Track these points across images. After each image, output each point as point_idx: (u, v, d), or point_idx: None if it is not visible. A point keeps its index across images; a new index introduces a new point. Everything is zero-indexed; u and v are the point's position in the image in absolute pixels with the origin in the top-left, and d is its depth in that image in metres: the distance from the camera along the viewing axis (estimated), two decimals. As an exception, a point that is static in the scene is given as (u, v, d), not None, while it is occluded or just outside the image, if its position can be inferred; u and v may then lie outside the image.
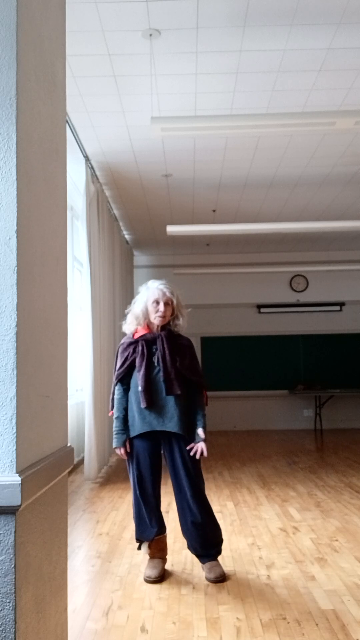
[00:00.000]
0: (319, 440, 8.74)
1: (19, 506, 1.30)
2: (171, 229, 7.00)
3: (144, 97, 4.65)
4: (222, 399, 10.29)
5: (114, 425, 3.13)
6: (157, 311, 3.12)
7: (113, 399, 3.21)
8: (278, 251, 10.60)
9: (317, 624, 2.49)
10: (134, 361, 3.13)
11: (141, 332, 3.18)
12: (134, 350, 3.13)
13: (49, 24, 1.72)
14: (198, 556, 3.13)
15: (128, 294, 9.26)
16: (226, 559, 3.34)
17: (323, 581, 2.99)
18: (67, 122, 3.28)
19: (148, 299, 3.15)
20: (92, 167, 6.03)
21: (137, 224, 8.54)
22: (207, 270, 9.99)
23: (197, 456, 3.07)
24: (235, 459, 6.98)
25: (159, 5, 3.52)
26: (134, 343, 3.15)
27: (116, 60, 4.11)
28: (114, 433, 3.12)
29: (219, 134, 3.97)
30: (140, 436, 3.09)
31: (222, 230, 7.15)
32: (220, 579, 3.00)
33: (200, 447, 3.07)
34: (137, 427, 3.07)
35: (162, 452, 3.17)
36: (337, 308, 10.59)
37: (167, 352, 3.09)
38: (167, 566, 3.25)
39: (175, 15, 3.61)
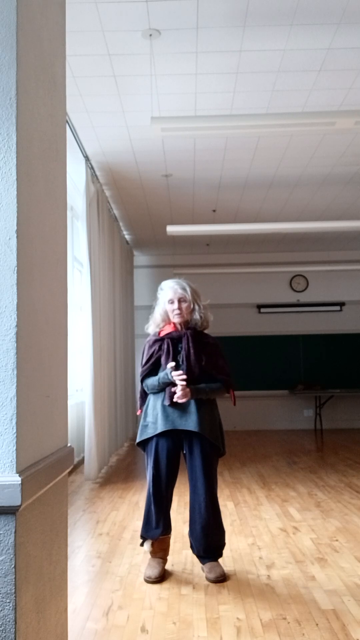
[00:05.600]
0: (319, 440, 8.74)
1: (19, 506, 1.30)
2: (171, 229, 7.00)
3: (144, 97, 4.64)
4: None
5: (158, 378, 3.08)
6: (173, 310, 3.14)
7: (141, 397, 3.23)
8: (278, 251, 10.59)
9: (317, 624, 2.49)
10: (159, 358, 3.14)
11: (167, 330, 3.19)
12: (160, 348, 3.15)
13: (49, 24, 1.72)
14: (199, 557, 3.14)
15: (128, 294, 9.26)
16: (226, 559, 3.34)
17: (323, 581, 2.99)
18: (67, 122, 3.28)
19: (164, 300, 3.18)
20: (92, 167, 6.03)
21: (137, 224, 8.54)
22: (207, 270, 9.98)
23: (175, 397, 3.01)
24: (236, 459, 6.98)
25: (159, 5, 3.52)
26: (160, 341, 3.17)
27: (116, 60, 4.10)
28: (161, 377, 3.06)
29: (219, 134, 3.97)
30: (162, 435, 3.09)
31: (222, 230, 7.16)
32: (221, 579, 3.00)
33: (179, 390, 3.00)
34: (159, 425, 3.06)
35: (183, 452, 3.16)
36: (337, 308, 10.59)
37: (192, 350, 3.09)
38: (167, 566, 3.25)
39: (175, 15, 3.61)
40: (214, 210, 7.94)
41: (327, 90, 4.58)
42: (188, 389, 3.01)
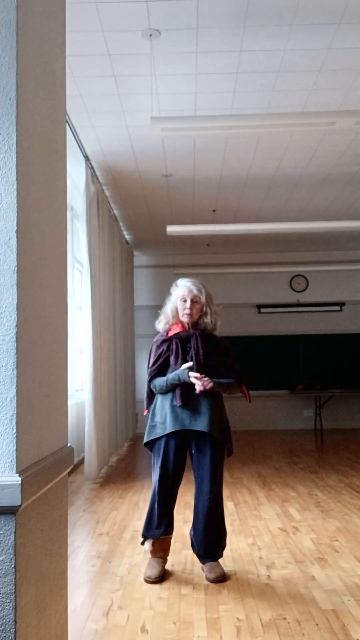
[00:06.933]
0: (319, 440, 8.74)
1: (19, 506, 1.30)
2: (171, 229, 7.00)
3: (144, 97, 4.64)
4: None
5: (166, 379, 3.07)
6: (184, 309, 3.12)
7: (148, 397, 3.22)
8: (278, 251, 10.59)
9: (317, 624, 2.49)
10: (167, 359, 3.13)
11: (175, 329, 3.18)
12: (168, 348, 3.13)
13: (49, 24, 1.72)
14: (199, 556, 3.14)
15: (128, 294, 9.25)
16: (226, 559, 3.34)
17: (323, 581, 2.99)
18: (67, 122, 3.27)
19: (177, 297, 3.16)
20: (92, 167, 6.03)
21: (137, 224, 8.54)
22: (207, 270, 9.99)
23: (198, 385, 3.00)
24: (236, 459, 6.98)
25: (159, 5, 3.52)
26: (168, 341, 3.15)
27: (116, 60, 4.10)
28: (175, 376, 3.04)
29: (219, 134, 3.98)
30: (171, 435, 3.08)
31: (222, 230, 7.16)
32: (221, 578, 3.00)
33: (205, 381, 2.99)
34: (168, 425, 3.06)
35: (191, 451, 3.15)
36: (337, 308, 10.59)
37: (201, 350, 3.08)
38: (167, 566, 3.25)
39: (175, 15, 3.61)
40: (214, 210, 7.94)
41: (327, 90, 4.58)
42: (208, 378, 3.00)
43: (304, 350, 10.54)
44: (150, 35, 3.80)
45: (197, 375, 3.00)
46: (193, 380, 2.99)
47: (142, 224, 8.54)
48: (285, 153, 5.83)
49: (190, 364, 3.03)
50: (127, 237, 9.32)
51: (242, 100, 4.70)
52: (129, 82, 4.41)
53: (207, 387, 3.00)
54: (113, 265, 7.40)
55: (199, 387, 3.00)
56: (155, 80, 4.37)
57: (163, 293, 10.32)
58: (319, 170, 6.37)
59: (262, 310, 10.59)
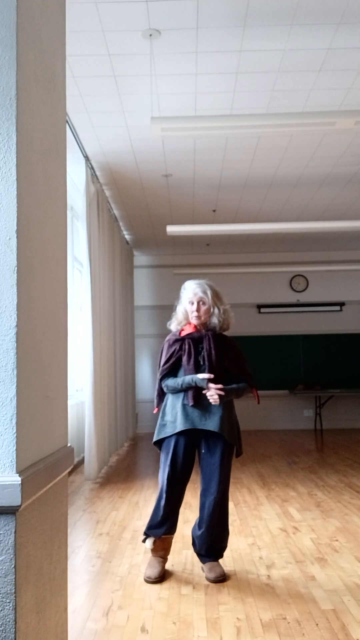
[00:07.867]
0: (319, 440, 8.74)
1: (19, 506, 1.30)
2: (171, 229, 7.00)
3: (144, 97, 4.64)
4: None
5: (182, 382, 3.08)
6: (192, 312, 3.15)
7: (158, 395, 3.23)
8: (278, 251, 10.59)
9: (317, 624, 2.49)
10: (179, 358, 3.14)
11: (188, 330, 3.19)
12: (180, 348, 3.15)
13: (49, 24, 1.72)
14: (199, 555, 3.14)
15: (128, 294, 9.25)
16: (226, 559, 3.34)
17: (323, 581, 2.99)
18: (67, 122, 3.28)
19: (186, 300, 3.19)
20: (92, 167, 6.03)
21: (137, 224, 8.54)
22: (207, 270, 9.97)
23: (210, 394, 3.01)
24: (236, 459, 6.98)
25: (159, 5, 3.52)
26: (180, 340, 3.17)
27: (116, 60, 4.11)
28: (190, 380, 3.05)
29: (219, 134, 3.97)
30: (180, 434, 3.08)
31: (222, 230, 7.15)
32: (221, 578, 3.01)
33: (216, 389, 3.00)
34: (178, 424, 3.06)
35: (200, 450, 3.15)
36: (337, 308, 10.59)
37: (213, 351, 3.09)
38: (167, 566, 3.25)
39: (175, 15, 3.61)
40: (214, 210, 7.94)
41: (327, 90, 4.58)
42: (218, 398, 3.02)
43: (304, 350, 10.54)
44: (150, 35, 3.80)
45: (219, 386, 3.01)
46: (212, 390, 3.00)
47: (142, 224, 8.54)
48: (285, 153, 5.83)
49: (210, 375, 3.03)
50: (127, 237, 9.32)
51: (242, 100, 4.70)
52: (129, 82, 4.41)
53: (215, 402, 3.02)
54: (113, 265, 7.40)
55: (212, 399, 3.01)
56: (155, 80, 4.37)
57: (163, 293, 10.40)
58: (319, 170, 6.37)
59: (262, 310, 10.59)
